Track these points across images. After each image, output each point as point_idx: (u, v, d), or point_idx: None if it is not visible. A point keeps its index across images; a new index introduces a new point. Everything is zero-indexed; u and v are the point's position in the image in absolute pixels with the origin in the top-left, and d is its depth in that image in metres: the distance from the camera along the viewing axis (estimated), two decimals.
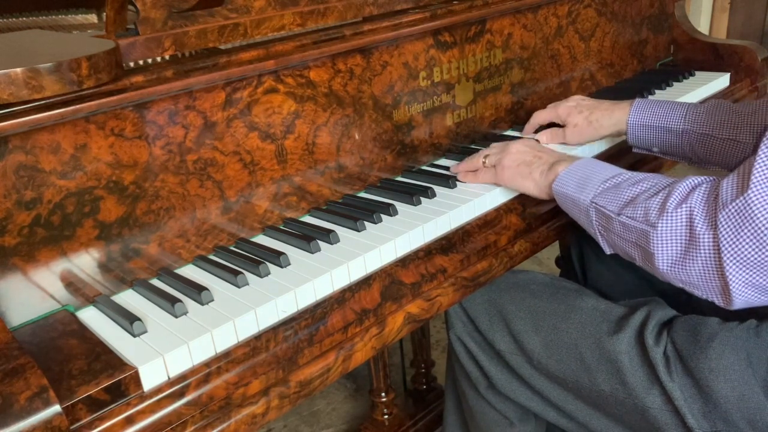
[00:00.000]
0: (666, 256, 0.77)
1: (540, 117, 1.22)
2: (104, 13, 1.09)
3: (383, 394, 1.49)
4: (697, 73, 1.55)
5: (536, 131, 1.23)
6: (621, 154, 1.21)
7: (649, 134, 1.13)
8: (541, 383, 0.98)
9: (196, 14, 0.85)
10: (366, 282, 0.84)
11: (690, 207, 0.74)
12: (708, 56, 1.60)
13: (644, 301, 0.93)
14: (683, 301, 0.99)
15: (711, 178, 0.77)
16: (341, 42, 0.95)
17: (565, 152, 1.04)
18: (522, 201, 1.03)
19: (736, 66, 1.55)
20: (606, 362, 0.89)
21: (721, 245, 0.71)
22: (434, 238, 0.93)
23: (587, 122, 1.15)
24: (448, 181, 1.04)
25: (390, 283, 0.85)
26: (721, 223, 0.71)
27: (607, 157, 1.20)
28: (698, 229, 0.73)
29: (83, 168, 0.76)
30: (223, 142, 0.88)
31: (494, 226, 0.99)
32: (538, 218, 1.04)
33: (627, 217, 0.81)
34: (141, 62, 0.84)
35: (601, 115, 1.15)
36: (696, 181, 0.77)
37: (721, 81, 1.51)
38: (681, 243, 0.75)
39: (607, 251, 0.90)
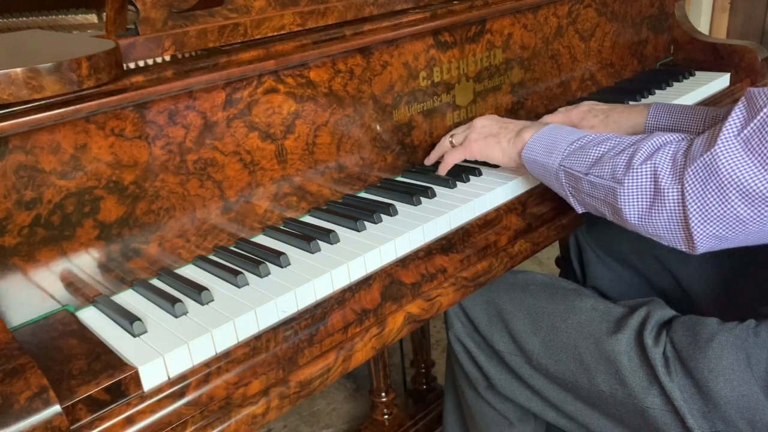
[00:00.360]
0: (633, 211, 0.80)
1: (551, 120, 1.21)
2: (104, 13, 1.09)
3: (383, 394, 1.49)
4: (697, 73, 1.55)
5: None
6: None
7: None
8: (541, 383, 0.98)
9: (196, 14, 0.85)
10: (366, 282, 0.84)
11: (654, 163, 0.77)
12: (708, 56, 1.61)
13: (643, 301, 0.93)
14: (682, 301, 0.99)
15: (680, 136, 0.80)
16: (341, 42, 0.95)
17: None
18: (522, 201, 1.03)
19: (737, 66, 1.55)
20: (605, 362, 0.89)
21: (686, 199, 0.74)
22: (434, 238, 0.93)
23: (604, 124, 1.15)
24: (448, 181, 1.04)
25: (390, 283, 0.85)
26: (688, 177, 0.74)
27: None
28: (663, 183, 0.76)
29: (83, 168, 0.76)
30: (223, 142, 0.88)
31: (494, 226, 0.99)
32: (538, 218, 1.04)
33: (595, 176, 0.84)
34: (141, 62, 0.83)
35: (619, 117, 1.15)
36: (662, 140, 0.80)
37: (721, 81, 1.51)
38: (647, 197, 0.79)
39: (579, 210, 0.92)
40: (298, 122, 0.95)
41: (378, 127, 1.05)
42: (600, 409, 0.93)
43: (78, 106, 0.72)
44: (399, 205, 0.97)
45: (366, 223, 0.92)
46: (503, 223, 1.00)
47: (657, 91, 1.44)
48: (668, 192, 0.76)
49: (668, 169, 0.76)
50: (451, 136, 1.08)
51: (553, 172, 0.91)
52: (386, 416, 1.52)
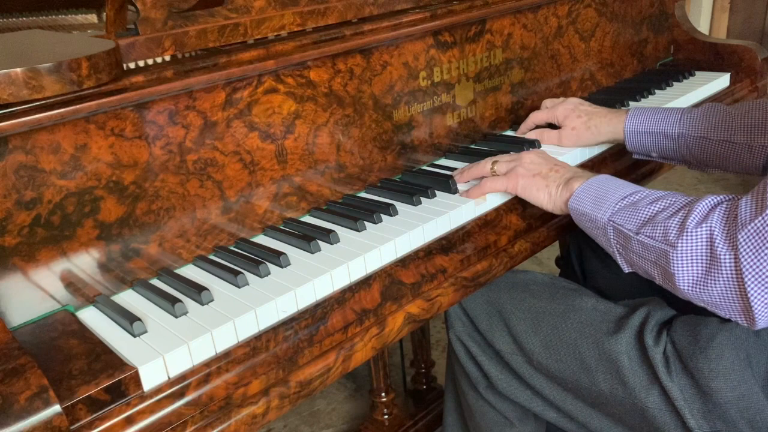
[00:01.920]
0: (687, 277, 0.76)
1: (537, 117, 1.22)
2: (104, 13, 1.09)
3: (383, 394, 1.49)
4: (697, 73, 1.55)
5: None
6: (619, 155, 1.21)
7: (646, 140, 1.13)
8: (541, 383, 0.98)
9: (196, 14, 0.85)
10: (366, 282, 0.84)
11: (710, 227, 0.73)
12: (708, 56, 1.61)
13: (644, 301, 0.93)
14: (683, 301, 0.99)
15: (730, 196, 0.76)
16: (341, 42, 0.95)
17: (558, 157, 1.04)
18: (522, 201, 1.03)
19: (737, 66, 1.55)
20: (605, 362, 0.89)
21: (741, 266, 0.70)
22: (434, 238, 0.93)
23: (586, 127, 1.15)
24: (449, 181, 1.04)
25: (390, 283, 0.85)
26: (741, 244, 0.70)
27: (602, 159, 1.20)
28: (719, 249, 0.72)
29: (83, 168, 0.76)
30: (223, 142, 0.88)
31: (494, 226, 0.99)
32: (538, 218, 1.04)
33: (646, 236, 0.80)
34: (141, 62, 0.84)
35: (600, 121, 1.15)
36: (716, 200, 0.76)
37: (721, 81, 1.51)
38: (702, 263, 0.74)
39: (626, 270, 0.88)
40: (298, 122, 0.95)
41: (378, 127, 1.05)
42: (600, 409, 0.93)
43: (78, 106, 0.72)
44: (399, 205, 0.97)
45: (366, 223, 0.92)
46: (503, 223, 1.00)
47: (657, 91, 1.44)
48: (723, 258, 0.71)
49: (723, 233, 0.72)
50: (494, 162, 1.01)
51: (601, 226, 0.87)
52: (386, 416, 1.52)
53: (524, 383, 1.01)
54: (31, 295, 0.75)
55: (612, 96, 1.42)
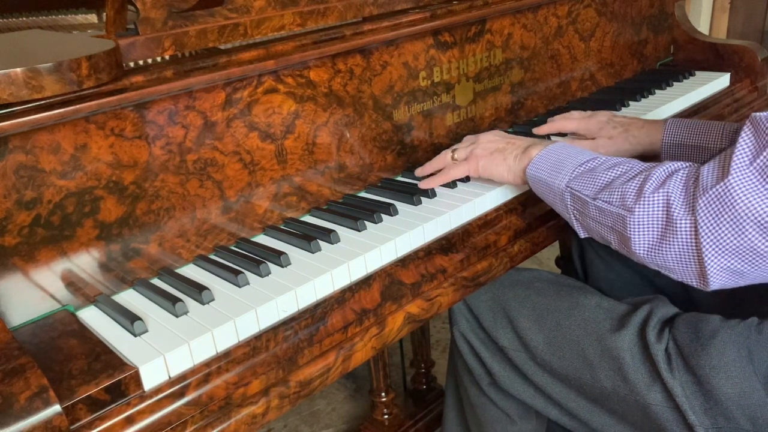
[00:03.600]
0: (643, 241, 0.78)
1: (564, 125, 1.18)
2: (104, 13, 1.09)
3: (383, 394, 1.49)
4: (697, 73, 1.55)
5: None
6: (620, 153, 1.21)
7: (683, 153, 1.11)
8: (544, 380, 0.98)
9: (196, 14, 0.85)
10: (366, 282, 0.84)
11: (667, 192, 0.74)
12: (708, 56, 1.61)
13: (647, 298, 0.93)
14: (685, 299, 0.99)
15: (688, 163, 0.78)
16: (341, 42, 0.95)
17: None
18: (522, 201, 1.03)
19: (736, 66, 1.55)
20: (608, 359, 0.89)
21: (699, 231, 0.71)
22: (434, 238, 0.93)
23: (624, 138, 1.13)
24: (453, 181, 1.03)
25: (390, 283, 0.85)
26: (700, 208, 0.71)
27: None
28: (675, 214, 0.73)
29: (83, 168, 0.76)
30: (223, 142, 0.88)
31: (494, 226, 0.99)
32: (538, 218, 1.04)
33: (603, 201, 0.81)
34: (141, 62, 0.84)
35: (638, 132, 1.13)
36: (674, 167, 0.77)
37: (721, 81, 1.51)
38: (658, 228, 0.76)
39: (582, 235, 0.89)
40: (298, 122, 0.95)
41: (378, 127, 1.05)
42: (602, 406, 0.93)
43: (78, 106, 0.72)
44: (399, 205, 0.97)
45: (366, 222, 0.92)
46: (503, 223, 1.00)
47: (657, 91, 1.44)
48: (680, 223, 0.73)
49: (681, 199, 0.73)
50: (453, 150, 1.03)
51: (558, 192, 0.88)
52: (386, 416, 1.52)
53: (527, 380, 1.01)
54: (31, 295, 0.75)
55: (612, 96, 1.42)
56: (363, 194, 1.05)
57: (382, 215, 0.94)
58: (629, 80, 1.54)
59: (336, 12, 0.98)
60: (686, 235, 0.73)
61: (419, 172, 1.07)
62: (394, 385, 1.58)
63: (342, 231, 0.91)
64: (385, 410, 1.51)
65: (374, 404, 1.52)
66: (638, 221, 0.77)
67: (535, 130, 1.20)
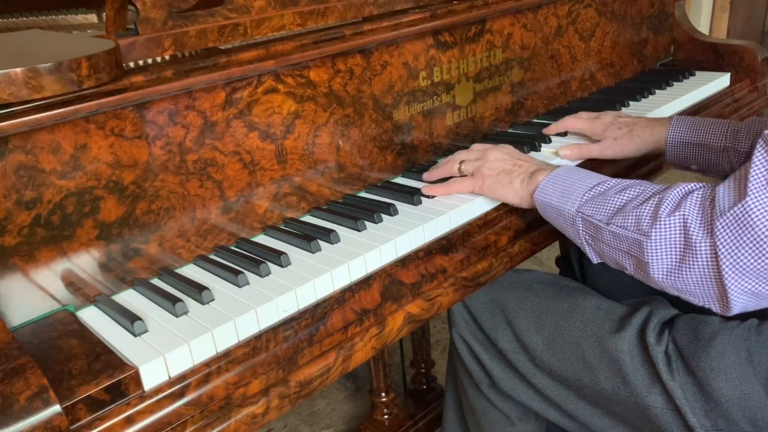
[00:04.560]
0: (661, 265, 0.76)
1: (572, 125, 1.19)
2: (104, 13, 1.09)
3: (383, 394, 1.49)
4: (697, 73, 1.55)
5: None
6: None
7: (688, 151, 1.11)
8: (543, 382, 0.98)
9: (196, 14, 0.85)
10: (366, 282, 0.84)
11: (684, 214, 0.73)
12: (708, 56, 1.61)
13: (646, 300, 0.93)
14: (684, 301, 0.99)
15: (702, 184, 0.76)
16: (341, 42, 0.95)
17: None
18: None
19: (737, 66, 1.55)
20: (608, 361, 0.89)
21: (719, 253, 0.70)
22: (434, 238, 0.93)
23: (629, 138, 1.13)
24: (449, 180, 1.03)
25: (390, 283, 0.85)
26: (718, 230, 0.69)
27: (601, 159, 1.20)
28: (694, 236, 0.72)
29: (83, 168, 0.76)
30: (223, 142, 0.88)
31: (494, 226, 0.99)
32: (538, 218, 1.03)
33: (617, 226, 0.79)
34: (141, 62, 0.84)
35: (643, 131, 1.13)
36: (688, 188, 0.76)
37: (721, 81, 1.51)
38: (676, 251, 0.74)
39: (594, 260, 0.88)
40: (298, 122, 0.95)
41: (378, 127, 1.05)
42: (602, 408, 0.93)
43: (78, 106, 0.72)
44: (399, 205, 0.97)
45: (366, 222, 0.92)
46: (503, 223, 1.00)
47: (657, 91, 1.44)
48: (699, 246, 0.71)
49: (698, 221, 0.71)
50: (461, 162, 1.01)
51: (569, 218, 0.86)
52: (386, 416, 1.52)
53: (526, 382, 1.01)
54: (31, 295, 0.75)
55: (612, 96, 1.42)
56: (363, 194, 1.05)
57: (382, 215, 0.94)
58: (629, 80, 1.54)
59: (336, 12, 0.98)
60: (706, 257, 0.71)
61: (427, 176, 1.05)
62: (394, 385, 1.58)
63: (342, 231, 0.91)
64: (385, 410, 1.51)
65: (374, 404, 1.52)
66: (655, 245, 0.75)
67: (545, 131, 1.22)
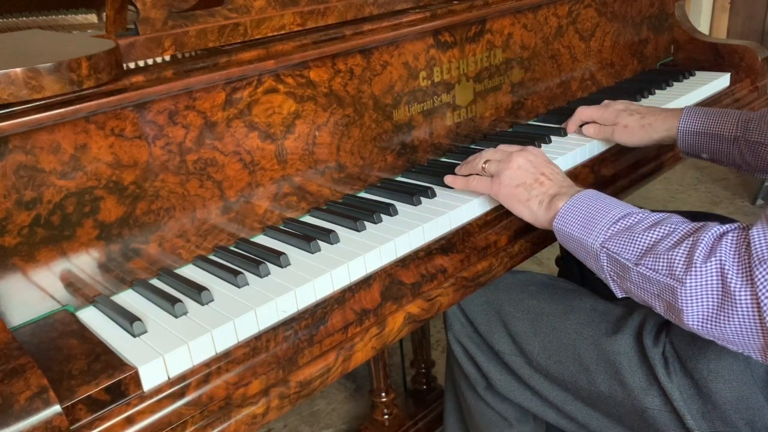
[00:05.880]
0: (697, 313, 0.71)
1: (584, 114, 1.21)
2: (104, 13, 1.09)
3: (383, 394, 1.49)
4: (697, 73, 1.55)
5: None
6: (619, 155, 1.21)
7: (699, 141, 1.11)
8: (540, 384, 0.98)
9: (196, 14, 0.85)
10: (366, 282, 0.84)
11: (720, 260, 0.68)
12: (708, 56, 1.60)
13: None
14: None
15: (735, 224, 0.72)
16: (341, 42, 0.95)
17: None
18: None
19: (737, 66, 1.55)
20: (605, 363, 0.89)
21: (761, 304, 0.65)
22: (434, 238, 0.93)
23: (639, 125, 1.14)
24: None
25: (390, 283, 0.85)
26: (759, 280, 0.65)
27: (602, 159, 1.20)
28: (732, 285, 0.67)
29: (83, 168, 0.76)
30: (223, 142, 0.88)
31: (494, 226, 0.99)
32: None
33: (647, 268, 0.75)
34: (141, 62, 0.83)
35: (654, 119, 1.14)
36: (720, 230, 0.71)
37: (721, 81, 1.51)
38: (714, 299, 0.70)
39: (619, 295, 0.84)
40: (298, 122, 0.95)
41: (378, 127, 1.05)
42: (600, 410, 0.93)
43: (78, 106, 0.72)
44: (399, 205, 0.97)
45: (366, 223, 0.92)
46: (503, 223, 1.00)
47: (657, 91, 1.44)
48: (739, 294, 0.67)
49: (735, 268, 0.67)
50: (486, 161, 0.97)
51: (592, 252, 0.82)
52: (386, 416, 1.52)
53: (523, 384, 1.01)
54: (31, 295, 0.75)
55: (612, 96, 1.41)
56: (363, 194, 1.05)
57: (382, 215, 0.94)
58: (629, 80, 1.54)
59: (336, 12, 0.98)
60: (746, 307, 0.67)
61: (458, 170, 1.02)
62: (395, 386, 1.58)
63: (342, 231, 0.91)
64: (385, 410, 1.51)
65: (374, 404, 1.52)
66: (691, 293, 0.71)
67: (563, 126, 1.23)
